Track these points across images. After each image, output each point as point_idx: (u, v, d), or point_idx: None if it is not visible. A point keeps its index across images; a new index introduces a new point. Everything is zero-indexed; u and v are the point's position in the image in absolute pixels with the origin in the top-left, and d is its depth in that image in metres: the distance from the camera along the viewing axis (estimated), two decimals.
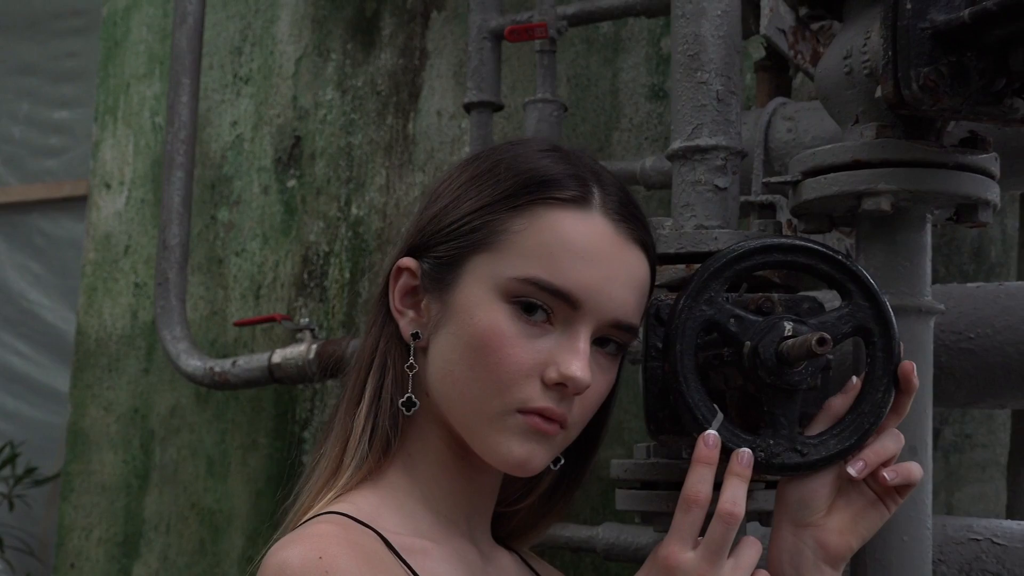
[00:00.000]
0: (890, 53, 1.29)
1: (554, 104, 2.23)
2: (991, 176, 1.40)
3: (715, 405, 1.20)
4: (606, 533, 2.07)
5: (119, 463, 3.37)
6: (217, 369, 2.70)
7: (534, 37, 2.15)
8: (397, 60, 2.91)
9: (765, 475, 1.23)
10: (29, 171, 4.65)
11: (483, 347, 1.16)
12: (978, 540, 1.59)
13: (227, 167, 3.25)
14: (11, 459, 4.18)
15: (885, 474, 1.19)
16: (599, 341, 1.20)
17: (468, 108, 2.31)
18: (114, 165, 3.54)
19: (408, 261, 1.24)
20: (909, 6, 1.28)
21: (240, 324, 3.00)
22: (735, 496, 1.13)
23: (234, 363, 2.70)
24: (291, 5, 3.17)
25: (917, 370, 1.36)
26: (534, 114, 2.22)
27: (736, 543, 1.14)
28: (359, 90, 2.99)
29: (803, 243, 1.26)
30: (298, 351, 2.61)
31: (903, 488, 1.22)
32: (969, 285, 1.67)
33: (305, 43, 3.13)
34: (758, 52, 2.24)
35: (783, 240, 1.26)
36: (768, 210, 1.62)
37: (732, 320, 1.22)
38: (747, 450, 1.17)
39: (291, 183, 3.11)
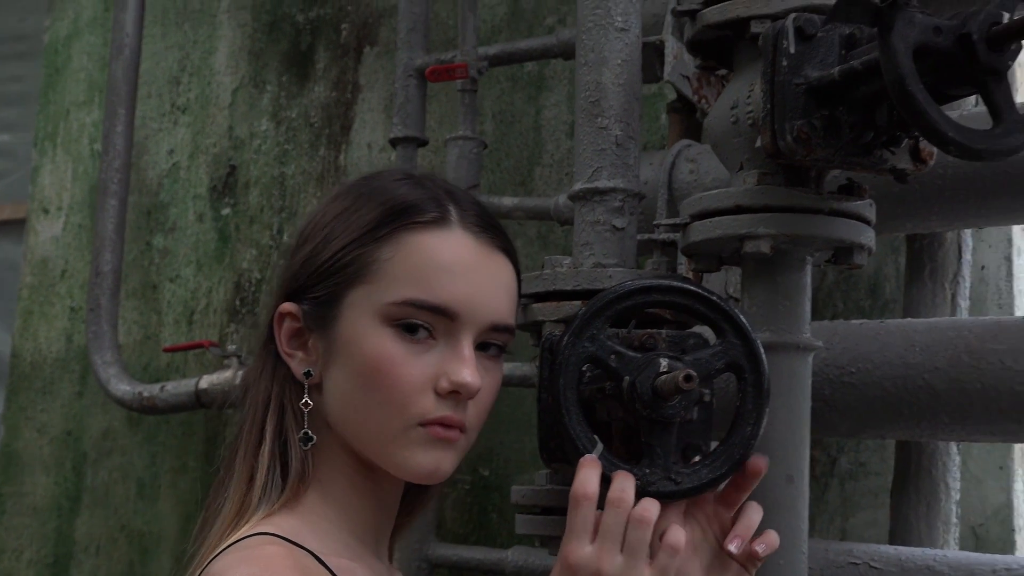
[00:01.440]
0: (768, 106, 1.37)
1: (474, 141, 2.31)
2: (866, 221, 1.47)
3: (595, 436, 1.26)
4: (515, 556, 2.14)
5: (51, 485, 3.40)
6: (146, 394, 2.75)
7: (454, 77, 2.22)
8: (330, 93, 2.99)
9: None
10: None
11: (375, 372, 1.22)
12: (857, 564, 1.67)
13: (163, 194, 3.30)
14: None
15: (756, 548, 1.25)
16: (481, 346, 1.28)
17: (394, 143, 2.38)
18: (52, 190, 3.58)
19: (289, 306, 1.29)
20: (785, 63, 1.36)
21: (169, 350, 3.05)
22: (623, 485, 1.19)
23: (162, 388, 2.75)
24: (229, 37, 3.24)
25: (796, 403, 1.46)
26: (455, 150, 2.30)
27: None
28: (293, 121, 3.06)
29: (680, 285, 1.32)
30: (224, 377, 2.66)
31: (758, 559, 1.28)
32: (853, 322, 1.75)
33: (242, 75, 3.19)
34: (673, 94, 2.32)
35: (661, 282, 1.33)
36: (671, 248, 1.70)
37: (613, 356, 1.28)
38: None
39: (225, 211, 3.17)
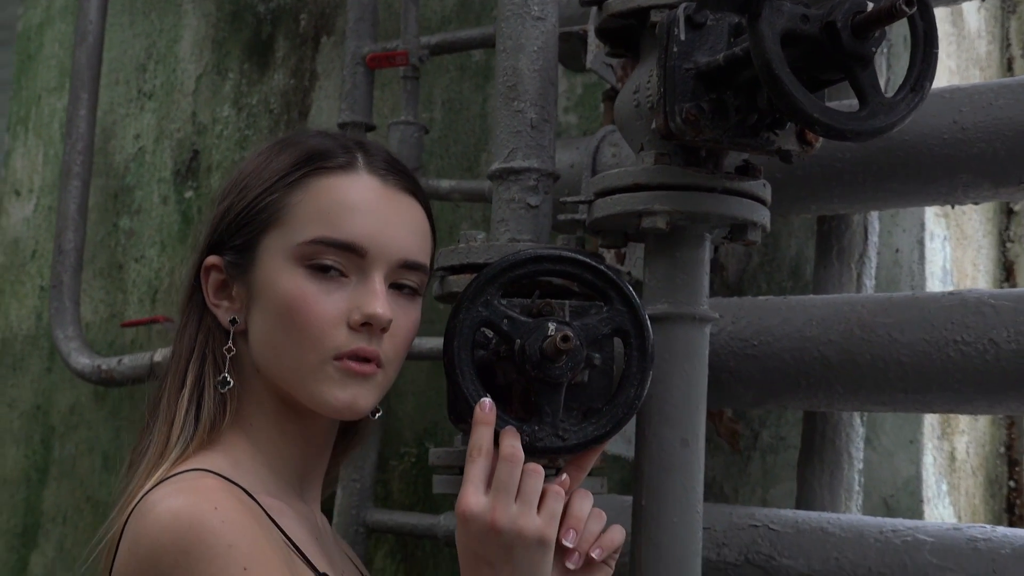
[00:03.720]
0: (661, 89, 1.46)
1: (415, 126, 2.39)
2: (760, 200, 1.55)
3: (486, 392, 1.34)
4: (447, 520, 2.22)
5: (20, 457, 3.48)
6: (104, 367, 2.83)
7: (395, 64, 2.31)
8: (289, 81, 3.07)
9: (532, 457, 1.35)
10: None
11: (290, 311, 1.29)
12: (757, 527, 1.75)
13: (130, 177, 3.38)
14: None
15: (592, 554, 1.31)
16: (396, 286, 1.35)
17: (342, 127, 2.46)
18: (24, 173, 3.67)
19: (213, 259, 1.36)
20: (676, 49, 1.44)
21: (126, 325, 3.13)
22: (512, 442, 1.27)
23: (119, 361, 2.83)
24: (193, 26, 3.32)
25: (692, 371, 1.55)
26: (396, 134, 2.38)
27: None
28: (253, 108, 3.14)
29: (569, 255, 1.40)
30: None
31: (615, 551, 1.35)
32: (759, 298, 1.83)
33: (205, 62, 3.27)
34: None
35: (552, 251, 1.41)
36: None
37: (505, 320, 1.36)
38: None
39: (188, 194, 3.25)
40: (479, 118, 2.70)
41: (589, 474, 1.91)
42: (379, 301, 1.29)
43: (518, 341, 1.35)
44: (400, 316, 1.33)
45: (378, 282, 1.31)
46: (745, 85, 1.43)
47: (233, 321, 1.35)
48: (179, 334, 1.39)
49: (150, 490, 1.23)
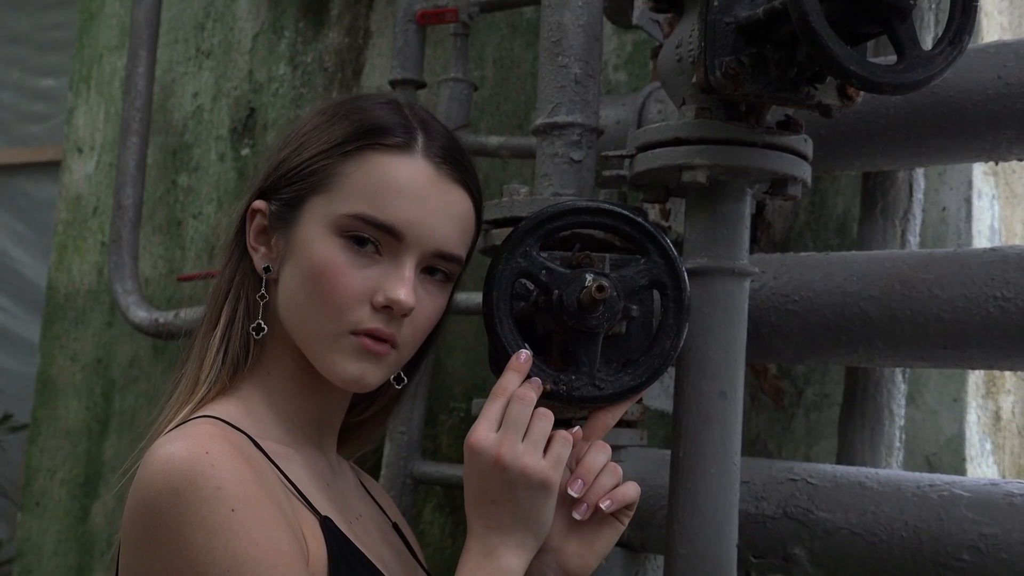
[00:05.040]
0: (702, 44, 1.47)
1: (464, 83, 2.41)
2: (800, 155, 1.56)
3: (524, 343, 1.36)
4: None
5: (82, 409, 3.56)
6: (162, 320, 2.88)
7: (444, 21, 2.32)
8: (343, 39, 3.09)
9: (569, 406, 1.38)
10: (15, 136, 4.81)
11: (319, 276, 1.30)
12: (795, 480, 1.77)
13: (188, 135, 3.43)
14: None
15: (602, 505, 1.32)
16: (428, 270, 1.35)
17: (393, 85, 2.49)
18: (86, 131, 3.73)
19: (260, 203, 1.38)
20: (716, 3, 1.44)
21: (182, 279, 3.18)
22: (529, 386, 1.30)
23: (176, 315, 2.89)
24: None
25: (731, 325, 1.56)
26: (446, 91, 2.40)
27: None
28: (308, 66, 3.17)
29: (607, 207, 1.40)
30: None
31: (629, 506, 1.35)
32: (801, 254, 1.84)
33: (262, 20, 3.30)
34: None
35: (590, 204, 1.42)
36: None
37: (544, 272, 1.38)
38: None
39: (245, 151, 3.30)
40: (530, 76, 2.72)
41: (630, 425, 1.95)
42: (405, 288, 1.29)
43: (556, 291, 1.37)
44: (425, 302, 1.34)
45: (408, 268, 1.31)
46: (785, 39, 1.43)
47: (267, 269, 1.36)
48: (220, 273, 1.41)
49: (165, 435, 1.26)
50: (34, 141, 4.74)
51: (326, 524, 1.27)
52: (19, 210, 4.70)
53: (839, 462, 1.94)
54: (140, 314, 2.94)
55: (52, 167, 4.42)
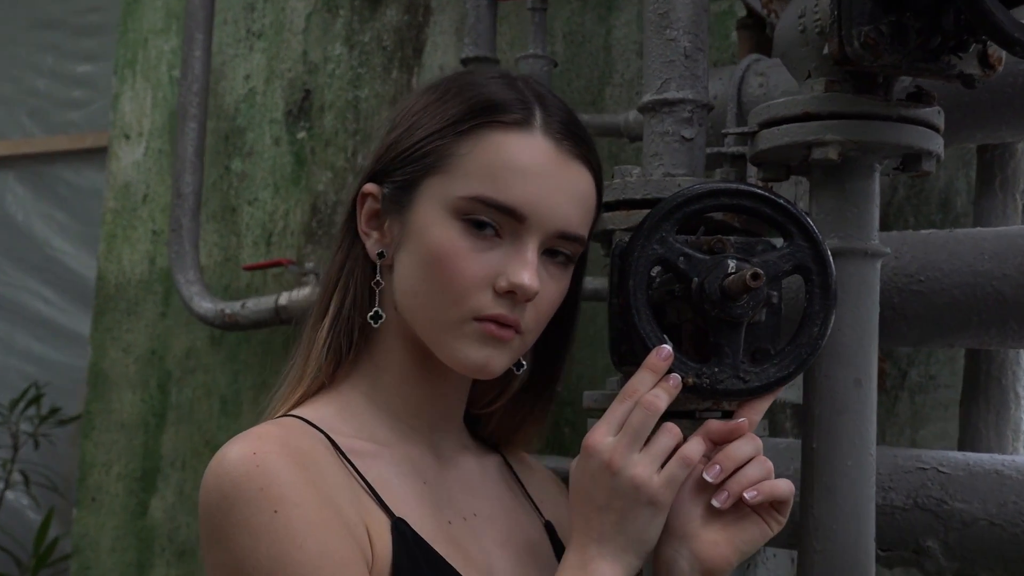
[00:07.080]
0: (835, 13, 1.39)
1: (544, 59, 2.33)
2: (934, 128, 1.48)
3: (664, 335, 1.29)
4: None
5: (137, 402, 3.51)
6: (228, 311, 2.83)
7: None
8: (402, 16, 3.01)
9: (712, 400, 1.32)
10: (53, 123, 4.74)
11: (438, 262, 1.24)
12: (925, 469, 1.69)
13: (240, 119, 3.36)
14: (36, 400, 4.27)
15: (746, 495, 1.23)
16: (549, 252, 1.28)
17: (465, 63, 2.41)
18: (133, 117, 3.66)
19: (371, 187, 1.32)
20: None
21: (249, 268, 3.12)
22: (658, 392, 1.23)
23: (243, 305, 2.83)
24: None
25: (864, 308, 1.48)
26: (525, 69, 2.32)
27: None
28: (366, 45, 3.09)
29: (748, 188, 1.34)
30: (303, 294, 2.73)
31: (779, 505, 1.26)
32: (922, 232, 1.76)
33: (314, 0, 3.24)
34: (743, 11, 2.33)
35: (730, 185, 1.35)
36: (740, 160, 1.71)
37: (681, 258, 1.30)
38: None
39: (301, 135, 3.23)
40: (602, 51, 2.63)
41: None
42: (528, 271, 1.24)
43: (695, 279, 1.30)
44: (548, 285, 1.28)
45: (531, 251, 1.25)
46: (929, 6, 1.35)
47: (381, 255, 1.31)
48: (331, 261, 1.37)
49: None
50: (73, 128, 4.66)
51: (397, 526, 1.23)
52: (60, 199, 4.63)
53: (961, 448, 1.87)
54: (204, 304, 2.88)
55: (93, 154, 4.36)
